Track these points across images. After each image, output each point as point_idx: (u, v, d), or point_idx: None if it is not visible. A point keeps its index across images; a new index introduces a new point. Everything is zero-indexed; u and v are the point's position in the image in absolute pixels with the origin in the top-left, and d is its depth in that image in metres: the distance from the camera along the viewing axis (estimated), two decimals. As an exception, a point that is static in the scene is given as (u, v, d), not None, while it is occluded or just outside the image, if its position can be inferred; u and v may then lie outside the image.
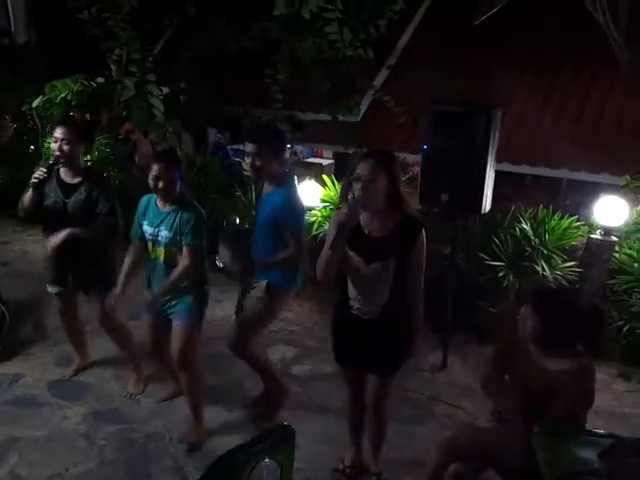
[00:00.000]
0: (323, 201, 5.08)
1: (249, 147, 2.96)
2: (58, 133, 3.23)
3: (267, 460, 1.80)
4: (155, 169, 2.94)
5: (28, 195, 3.26)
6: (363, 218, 2.51)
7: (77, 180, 3.30)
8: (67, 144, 3.21)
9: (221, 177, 6.14)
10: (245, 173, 6.75)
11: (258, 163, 2.95)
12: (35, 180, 3.18)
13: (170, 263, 3.03)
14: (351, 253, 2.53)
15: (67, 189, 3.29)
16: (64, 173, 3.31)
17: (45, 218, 3.36)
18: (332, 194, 5.14)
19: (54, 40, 7.45)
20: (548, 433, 2.11)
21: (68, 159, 3.24)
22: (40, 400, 3.52)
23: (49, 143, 6.50)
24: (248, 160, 2.99)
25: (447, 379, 3.94)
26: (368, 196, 2.41)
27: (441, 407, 3.59)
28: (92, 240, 3.25)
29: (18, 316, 4.28)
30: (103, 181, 3.48)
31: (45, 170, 3.17)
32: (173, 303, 3.09)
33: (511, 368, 2.45)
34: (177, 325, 3.08)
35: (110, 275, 3.36)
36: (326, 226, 4.90)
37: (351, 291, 2.60)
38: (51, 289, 3.52)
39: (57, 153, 3.22)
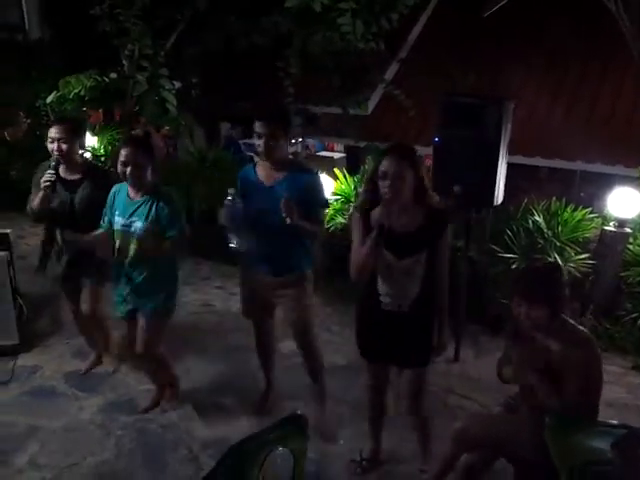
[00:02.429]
0: (335, 194, 5.09)
1: (261, 127, 2.79)
2: (53, 133, 3.20)
3: (280, 449, 1.83)
4: (123, 154, 2.82)
5: (39, 198, 3.18)
6: (391, 214, 2.50)
7: (78, 176, 3.30)
8: (65, 142, 3.20)
9: (233, 171, 6.15)
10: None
11: (272, 144, 2.80)
12: (48, 183, 3.13)
13: (141, 256, 2.92)
14: (383, 250, 2.52)
15: (70, 186, 3.28)
16: (64, 171, 3.28)
17: (52, 219, 3.34)
18: (344, 187, 5.15)
19: (67, 36, 7.51)
20: (561, 424, 2.11)
21: (68, 157, 3.24)
22: (57, 391, 3.58)
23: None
24: (260, 141, 2.81)
25: (460, 371, 3.94)
26: (396, 193, 2.40)
27: (454, 399, 3.59)
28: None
29: (35, 309, 4.34)
30: (105, 174, 3.45)
31: (53, 172, 3.15)
32: (142, 301, 3.03)
33: (519, 357, 2.45)
34: (144, 321, 3.05)
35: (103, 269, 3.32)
36: (338, 219, 4.91)
37: (381, 287, 2.57)
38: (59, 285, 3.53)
39: (56, 153, 3.20)
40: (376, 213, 2.48)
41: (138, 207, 2.91)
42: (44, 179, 3.14)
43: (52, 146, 3.21)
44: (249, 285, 3.15)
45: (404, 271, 2.51)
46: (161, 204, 2.88)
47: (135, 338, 3.11)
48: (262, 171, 2.96)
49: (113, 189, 3.04)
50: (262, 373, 3.45)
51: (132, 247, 2.93)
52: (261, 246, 2.94)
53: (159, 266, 3.02)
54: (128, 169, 2.83)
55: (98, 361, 3.84)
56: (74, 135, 3.28)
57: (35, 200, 3.21)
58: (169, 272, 3.11)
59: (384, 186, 2.41)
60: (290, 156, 3.12)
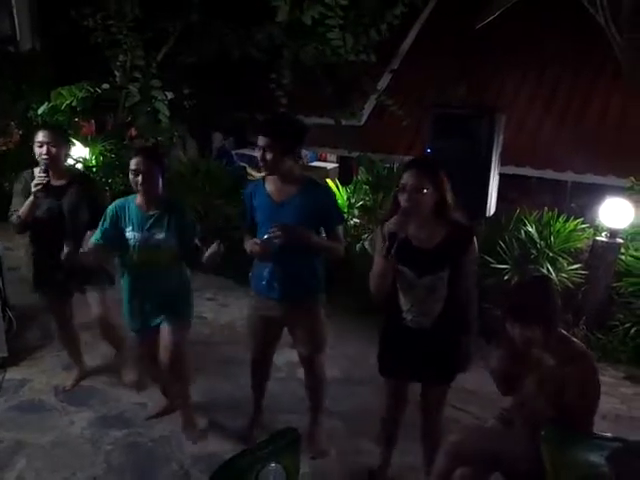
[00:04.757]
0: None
1: (259, 139, 2.67)
2: (41, 137, 3.18)
3: (273, 464, 1.80)
4: (134, 163, 2.79)
5: (28, 204, 3.13)
6: (410, 229, 2.40)
7: (64, 182, 3.28)
8: (53, 146, 3.18)
9: (225, 182, 6.15)
10: (250, 178, 6.77)
11: (268, 158, 2.65)
12: (40, 186, 3.07)
13: (167, 268, 2.95)
14: (401, 266, 2.45)
15: (57, 192, 3.24)
16: (51, 177, 3.20)
17: (39, 226, 3.26)
18: (337, 198, 5.13)
19: (59, 47, 7.51)
20: (555, 437, 2.09)
21: (56, 161, 3.22)
22: (47, 405, 3.52)
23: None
24: (258, 154, 2.70)
25: (454, 382, 3.91)
26: (414, 206, 2.34)
27: (448, 411, 3.55)
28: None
29: (24, 321, 4.30)
30: (91, 180, 3.45)
31: (45, 175, 3.10)
32: (167, 312, 3.02)
33: (515, 372, 2.44)
34: (172, 331, 3.00)
35: (106, 271, 3.38)
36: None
37: (404, 303, 2.52)
38: (45, 296, 3.52)
39: (45, 157, 3.16)
40: (390, 224, 2.37)
41: (156, 219, 2.88)
42: (36, 182, 3.08)
43: (40, 150, 3.18)
44: (259, 310, 2.96)
45: (426, 289, 2.44)
46: (178, 215, 2.91)
47: (151, 352, 3.09)
48: (271, 186, 2.78)
49: (115, 204, 2.94)
50: (252, 398, 3.30)
51: (156, 259, 2.91)
52: (271, 268, 2.79)
53: (182, 276, 3.06)
54: (139, 179, 2.79)
55: (83, 375, 3.79)
56: (62, 140, 3.28)
57: (22, 208, 3.16)
58: (187, 281, 3.12)
59: (403, 199, 2.36)
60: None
